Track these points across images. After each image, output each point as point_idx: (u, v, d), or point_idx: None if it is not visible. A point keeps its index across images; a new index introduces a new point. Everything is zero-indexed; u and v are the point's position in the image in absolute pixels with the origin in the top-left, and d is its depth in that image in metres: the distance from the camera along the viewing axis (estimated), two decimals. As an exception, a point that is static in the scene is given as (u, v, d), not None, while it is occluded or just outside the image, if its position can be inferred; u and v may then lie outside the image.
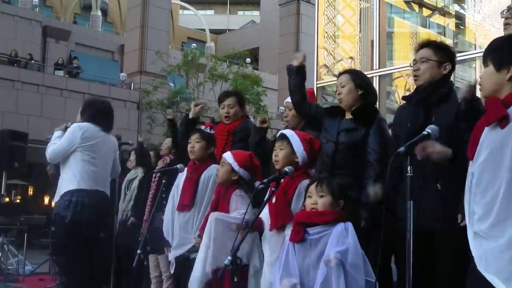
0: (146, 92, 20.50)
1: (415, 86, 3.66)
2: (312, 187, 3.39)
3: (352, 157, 3.85)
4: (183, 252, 4.80)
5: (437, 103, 3.43)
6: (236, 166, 4.22)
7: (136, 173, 7.17)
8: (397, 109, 3.89)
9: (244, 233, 3.47)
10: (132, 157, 7.27)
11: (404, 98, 3.78)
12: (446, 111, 3.36)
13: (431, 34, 10.59)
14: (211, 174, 4.65)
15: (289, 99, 4.75)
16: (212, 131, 4.89)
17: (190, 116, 5.30)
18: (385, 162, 3.67)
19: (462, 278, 3.11)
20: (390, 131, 4.20)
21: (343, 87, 3.99)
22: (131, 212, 6.96)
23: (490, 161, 2.38)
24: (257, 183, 4.18)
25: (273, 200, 3.54)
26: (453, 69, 3.58)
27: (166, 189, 5.23)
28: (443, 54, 3.55)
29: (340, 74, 4.15)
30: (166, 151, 6.70)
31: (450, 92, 3.47)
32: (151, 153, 7.55)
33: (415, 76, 3.57)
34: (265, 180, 3.65)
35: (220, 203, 4.21)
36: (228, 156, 4.29)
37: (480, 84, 2.54)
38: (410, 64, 3.69)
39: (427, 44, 3.61)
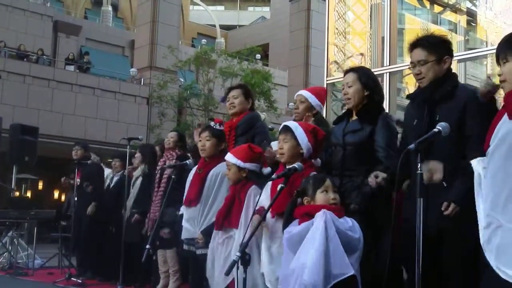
0: (160, 85, 20.51)
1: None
2: (328, 182, 3.42)
3: (361, 157, 3.84)
4: (191, 248, 4.83)
5: (441, 100, 3.37)
6: (241, 164, 4.22)
7: (140, 171, 7.23)
8: (406, 106, 3.86)
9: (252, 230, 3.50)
10: (137, 155, 7.33)
11: (408, 97, 3.73)
12: (451, 108, 3.31)
13: (442, 31, 10.52)
14: (219, 171, 4.65)
15: (301, 92, 4.75)
16: (222, 127, 4.88)
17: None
18: (393, 157, 3.67)
19: (471, 277, 3.10)
20: (398, 128, 4.18)
21: (350, 87, 3.96)
22: (132, 209, 7.02)
23: (503, 148, 2.35)
24: (264, 170, 4.20)
25: (278, 187, 3.53)
26: (452, 57, 3.51)
27: (175, 185, 5.26)
28: (439, 50, 3.46)
29: (347, 72, 4.09)
30: (173, 144, 6.59)
31: (454, 88, 3.40)
32: (157, 147, 7.58)
33: (418, 80, 3.51)
34: (274, 176, 3.66)
35: (236, 200, 4.22)
36: (230, 157, 4.28)
37: (503, 81, 2.50)
38: (409, 67, 3.63)
39: (419, 43, 3.49)
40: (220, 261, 4.21)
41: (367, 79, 3.97)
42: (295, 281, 3.17)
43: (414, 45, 3.51)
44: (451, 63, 3.50)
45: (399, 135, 3.95)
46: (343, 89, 4.06)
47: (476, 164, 2.58)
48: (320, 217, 3.24)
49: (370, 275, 3.41)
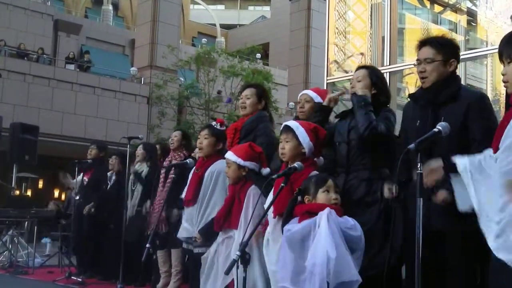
0: (158, 86, 20.53)
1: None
2: (330, 183, 3.46)
3: (365, 151, 3.85)
4: (189, 247, 4.85)
5: (445, 102, 3.38)
6: (241, 162, 4.22)
7: (141, 168, 7.17)
8: (405, 105, 3.86)
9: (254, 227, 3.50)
10: (139, 151, 7.26)
11: (410, 97, 3.72)
12: (455, 111, 3.32)
13: (443, 30, 10.52)
14: (215, 169, 4.65)
15: (306, 92, 4.77)
16: (223, 128, 4.87)
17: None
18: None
19: (473, 278, 3.10)
20: None
21: (359, 81, 4.00)
22: (137, 207, 6.99)
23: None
24: (263, 170, 4.21)
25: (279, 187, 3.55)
26: (458, 62, 3.53)
27: (176, 184, 5.26)
28: (447, 51, 3.47)
29: (359, 68, 4.15)
30: (177, 143, 6.56)
31: (457, 91, 3.42)
32: (157, 146, 7.56)
33: (422, 78, 3.52)
34: (274, 176, 3.66)
35: (235, 200, 4.22)
36: (230, 155, 4.28)
37: (506, 81, 2.49)
38: (414, 64, 3.64)
39: (429, 42, 3.51)
40: (219, 261, 4.22)
41: (376, 78, 4.02)
42: (310, 277, 3.16)
43: (423, 43, 3.54)
44: (456, 67, 3.52)
45: (397, 134, 3.96)
46: (351, 84, 4.09)
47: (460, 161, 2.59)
48: (324, 215, 3.25)
49: (371, 273, 3.42)
